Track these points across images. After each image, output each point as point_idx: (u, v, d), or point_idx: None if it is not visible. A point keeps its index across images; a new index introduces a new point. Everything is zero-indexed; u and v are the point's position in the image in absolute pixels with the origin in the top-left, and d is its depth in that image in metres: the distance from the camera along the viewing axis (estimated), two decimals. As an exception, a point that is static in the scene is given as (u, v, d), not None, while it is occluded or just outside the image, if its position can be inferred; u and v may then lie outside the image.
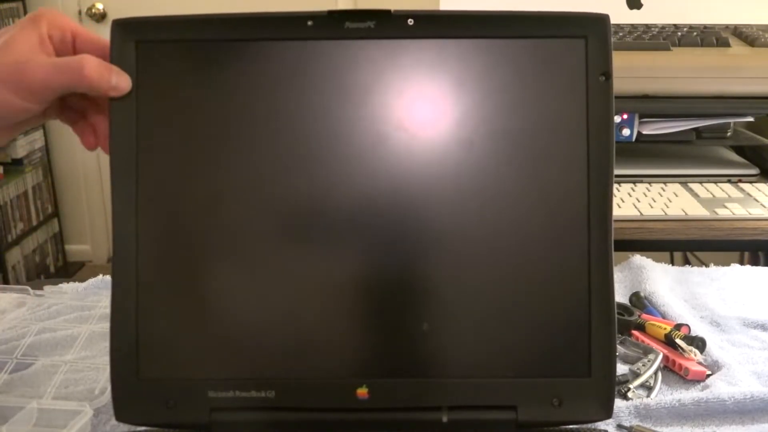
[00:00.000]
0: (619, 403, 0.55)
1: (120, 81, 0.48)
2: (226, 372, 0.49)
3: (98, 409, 0.55)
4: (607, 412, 0.49)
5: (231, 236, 0.49)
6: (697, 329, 0.66)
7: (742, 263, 0.92)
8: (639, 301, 0.71)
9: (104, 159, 2.61)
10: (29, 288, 0.75)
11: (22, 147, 2.40)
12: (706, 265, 0.83)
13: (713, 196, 0.90)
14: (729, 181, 0.96)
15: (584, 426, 0.50)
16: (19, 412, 0.53)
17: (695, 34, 1.01)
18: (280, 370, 0.49)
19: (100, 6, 2.47)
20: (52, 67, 0.47)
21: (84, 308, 0.71)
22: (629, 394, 0.57)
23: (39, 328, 0.67)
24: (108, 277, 0.72)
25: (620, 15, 1.09)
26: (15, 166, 2.39)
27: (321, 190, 0.49)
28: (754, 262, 1.21)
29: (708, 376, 0.60)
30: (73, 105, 0.52)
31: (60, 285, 0.77)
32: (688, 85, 0.92)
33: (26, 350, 0.64)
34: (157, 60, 0.49)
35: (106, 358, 0.49)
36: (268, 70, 0.49)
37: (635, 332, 0.65)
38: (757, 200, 0.88)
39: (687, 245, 1.08)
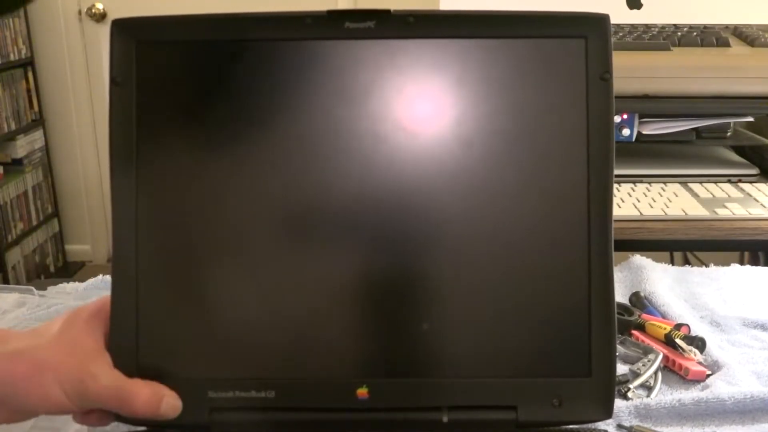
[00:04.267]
0: (619, 403, 0.55)
1: (168, 409, 0.47)
2: (226, 372, 0.49)
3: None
4: (607, 412, 0.49)
5: (231, 236, 0.49)
6: (697, 329, 0.66)
7: (742, 263, 0.92)
8: (639, 301, 0.71)
9: (104, 159, 2.63)
10: (33, 288, 0.75)
11: (22, 147, 2.40)
12: (706, 265, 0.83)
13: (713, 196, 0.90)
14: (729, 181, 0.96)
15: (584, 426, 0.50)
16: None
17: (695, 34, 1.01)
18: (280, 370, 0.49)
19: (100, 6, 2.47)
20: (114, 391, 0.46)
21: (84, 308, 0.71)
22: (629, 394, 0.57)
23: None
24: (108, 277, 0.72)
25: (620, 15, 1.09)
26: (15, 166, 2.39)
27: (321, 190, 0.49)
28: (754, 262, 1.20)
29: (708, 376, 0.60)
30: None
31: (61, 285, 0.77)
32: (688, 85, 0.92)
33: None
34: (157, 60, 0.49)
35: (106, 358, 0.49)
36: (268, 70, 0.49)
37: (635, 332, 0.65)
38: (757, 200, 0.88)
39: (687, 245, 1.08)
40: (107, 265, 2.63)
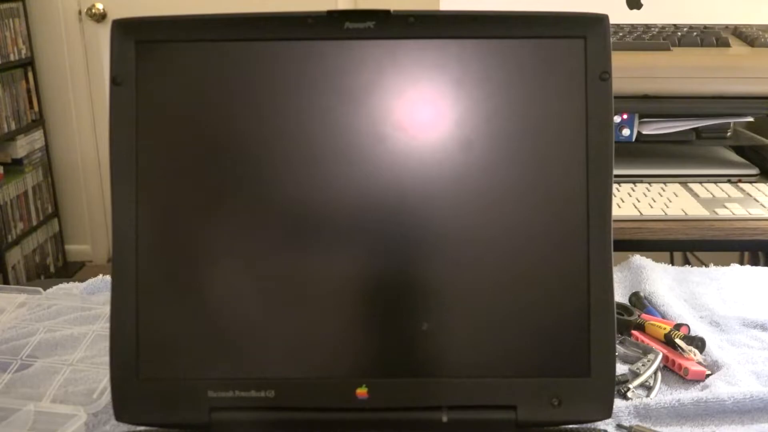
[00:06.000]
0: (618, 403, 0.55)
1: None
2: (226, 372, 0.49)
3: (98, 408, 0.55)
4: (607, 412, 0.49)
5: (230, 236, 0.49)
6: (697, 329, 0.66)
7: (742, 263, 0.92)
8: (639, 301, 0.71)
9: (104, 159, 2.62)
10: (41, 289, 0.75)
11: (22, 147, 2.40)
12: (706, 265, 0.83)
13: (713, 196, 0.90)
14: (729, 181, 0.96)
15: (584, 426, 0.50)
16: (15, 413, 0.53)
17: (695, 34, 1.01)
18: (280, 370, 0.49)
19: (100, 6, 2.47)
20: None
21: (84, 308, 0.71)
22: (629, 394, 0.57)
23: (39, 328, 0.67)
24: (108, 277, 0.72)
25: (620, 15, 1.09)
26: (15, 166, 2.39)
27: (320, 190, 0.49)
28: (754, 262, 1.20)
29: (707, 376, 0.60)
30: None
31: (60, 285, 0.77)
32: (688, 85, 0.92)
33: (26, 350, 0.64)
34: (157, 60, 0.49)
35: (107, 358, 0.49)
36: (268, 70, 0.49)
37: (635, 332, 0.65)
38: (757, 200, 0.88)
39: (687, 245, 1.08)
40: (107, 265, 2.63)
